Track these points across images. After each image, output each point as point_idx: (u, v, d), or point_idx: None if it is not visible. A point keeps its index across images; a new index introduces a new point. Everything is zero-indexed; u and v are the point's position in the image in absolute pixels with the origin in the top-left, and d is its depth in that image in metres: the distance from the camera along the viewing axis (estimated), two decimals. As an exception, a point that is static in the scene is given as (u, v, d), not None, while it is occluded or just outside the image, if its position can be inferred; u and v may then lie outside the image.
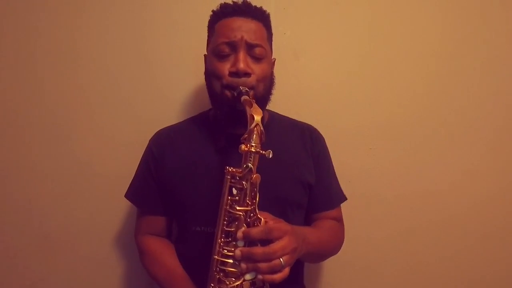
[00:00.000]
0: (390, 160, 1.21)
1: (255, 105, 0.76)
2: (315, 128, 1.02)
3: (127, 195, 0.99)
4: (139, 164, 0.99)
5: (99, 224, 1.19)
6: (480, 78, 1.20)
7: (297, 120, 1.03)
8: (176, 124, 1.02)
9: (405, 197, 1.21)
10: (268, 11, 0.93)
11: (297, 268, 0.95)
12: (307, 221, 0.98)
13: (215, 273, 0.72)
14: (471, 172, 1.21)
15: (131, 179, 1.00)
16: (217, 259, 0.72)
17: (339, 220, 1.01)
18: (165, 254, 0.93)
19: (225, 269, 0.71)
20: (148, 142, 0.99)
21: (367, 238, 1.21)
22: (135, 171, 1.00)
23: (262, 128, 0.73)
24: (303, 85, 1.19)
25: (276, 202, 0.87)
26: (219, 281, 0.72)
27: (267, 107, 0.95)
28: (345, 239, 1.01)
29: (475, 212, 1.22)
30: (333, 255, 0.98)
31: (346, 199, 1.03)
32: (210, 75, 0.88)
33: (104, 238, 1.20)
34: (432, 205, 1.21)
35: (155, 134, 0.99)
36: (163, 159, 0.92)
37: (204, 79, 0.93)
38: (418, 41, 1.19)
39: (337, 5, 1.19)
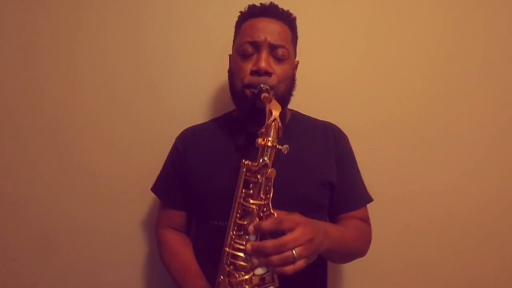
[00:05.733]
0: (390, 160, 1.21)
1: (274, 101, 0.77)
2: (338, 127, 1.01)
3: (153, 189, 1.03)
4: (165, 160, 1.02)
5: (99, 224, 1.19)
6: (480, 78, 1.21)
7: (320, 120, 1.03)
8: (201, 123, 1.05)
9: (405, 197, 1.22)
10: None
11: (317, 270, 0.93)
12: (333, 223, 0.96)
13: (226, 265, 0.73)
14: (471, 172, 1.21)
15: (158, 174, 1.03)
16: (228, 252, 0.72)
17: (365, 221, 0.98)
18: (181, 248, 0.96)
19: (235, 263, 0.71)
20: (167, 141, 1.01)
21: (367, 238, 1.21)
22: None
23: (280, 124, 0.73)
24: (303, 84, 1.18)
25: (296, 202, 0.86)
26: (229, 274, 0.72)
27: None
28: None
29: (475, 212, 1.22)
30: (360, 255, 0.94)
31: (372, 200, 0.99)
32: (233, 73, 0.91)
33: (104, 238, 1.20)
34: (432, 205, 1.22)
35: (181, 132, 1.02)
36: (186, 156, 0.95)
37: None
38: (418, 41, 1.20)
39: (336, 4, 1.19)
